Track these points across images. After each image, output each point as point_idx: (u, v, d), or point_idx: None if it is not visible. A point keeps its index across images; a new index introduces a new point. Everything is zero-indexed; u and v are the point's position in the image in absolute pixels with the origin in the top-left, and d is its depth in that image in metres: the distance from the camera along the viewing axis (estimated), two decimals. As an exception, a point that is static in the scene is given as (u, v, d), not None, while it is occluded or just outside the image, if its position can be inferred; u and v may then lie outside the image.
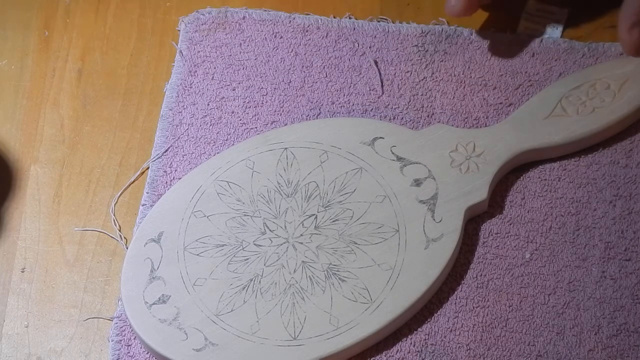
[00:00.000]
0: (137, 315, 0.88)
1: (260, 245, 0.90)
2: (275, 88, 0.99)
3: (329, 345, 0.86)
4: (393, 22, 1.02)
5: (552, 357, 0.87)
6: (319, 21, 1.02)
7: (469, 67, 0.99)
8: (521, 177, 0.94)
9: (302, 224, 0.91)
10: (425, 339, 0.88)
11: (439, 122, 0.97)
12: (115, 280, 0.92)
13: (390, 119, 0.97)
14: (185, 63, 1.00)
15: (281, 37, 1.01)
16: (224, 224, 0.91)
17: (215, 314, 0.87)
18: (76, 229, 0.94)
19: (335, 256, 0.89)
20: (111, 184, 0.96)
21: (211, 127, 0.97)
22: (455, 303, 0.89)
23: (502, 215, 0.93)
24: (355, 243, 0.90)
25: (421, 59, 1.00)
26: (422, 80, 0.99)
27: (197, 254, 0.90)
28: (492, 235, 0.92)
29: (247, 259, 0.90)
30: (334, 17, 1.02)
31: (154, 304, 0.88)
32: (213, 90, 0.99)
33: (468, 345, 0.88)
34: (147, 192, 0.94)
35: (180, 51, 1.01)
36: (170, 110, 0.98)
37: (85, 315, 0.91)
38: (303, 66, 1.00)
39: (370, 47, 1.01)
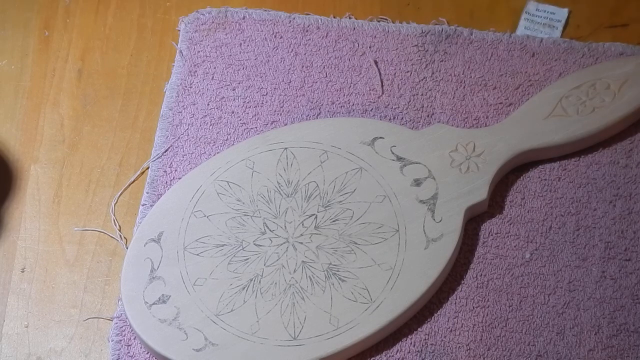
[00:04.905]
0: (137, 315, 0.88)
1: (260, 245, 0.90)
2: (275, 88, 0.99)
3: (329, 345, 0.86)
4: (393, 22, 1.02)
5: (552, 357, 0.87)
6: (319, 21, 1.02)
7: (469, 67, 0.99)
8: (521, 177, 0.94)
9: (302, 224, 0.91)
10: (425, 339, 0.88)
11: (439, 122, 0.97)
12: (115, 280, 0.92)
13: (390, 119, 0.97)
14: (185, 63, 1.00)
15: (281, 37, 1.01)
16: (224, 224, 0.91)
17: (215, 314, 0.87)
18: (76, 229, 0.94)
19: (335, 256, 0.89)
20: (111, 184, 0.96)
21: (211, 127, 0.97)
22: (455, 303, 0.89)
23: (502, 215, 0.93)
24: (355, 243, 0.90)
25: (421, 59, 1.00)
26: (422, 80, 0.99)
27: (197, 254, 0.90)
28: (492, 235, 0.92)
29: (247, 259, 0.90)
30: (334, 17, 1.02)
31: (154, 304, 0.88)
32: (213, 90, 0.99)
33: (468, 345, 0.88)
34: (147, 192, 0.94)
35: (180, 51, 1.01)
36: (170, 110, 0.98)
37: (85, 315, 0.91)
38: (303, 66, 1.00)
39: (370, 47, 1.01)
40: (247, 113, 0.98)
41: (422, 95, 0.98)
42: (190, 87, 0.99)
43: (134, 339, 0.89)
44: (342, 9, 1.03)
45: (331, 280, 0.89)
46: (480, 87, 0.98)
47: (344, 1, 1.04)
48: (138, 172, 0.96)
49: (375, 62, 1.00)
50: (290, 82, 0.99)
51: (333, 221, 0.91)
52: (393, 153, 0.94)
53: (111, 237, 0.94)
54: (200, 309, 0.88)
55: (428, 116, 0.97)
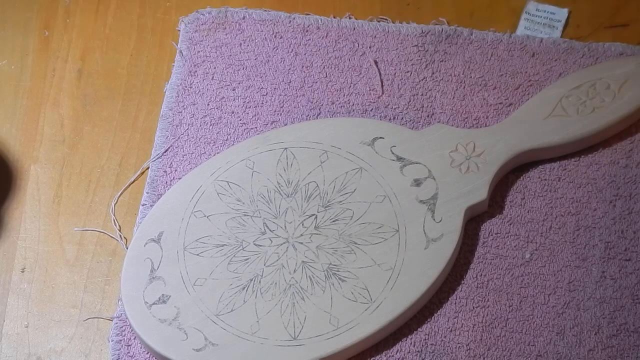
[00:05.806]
0: (137, 315, 0.88)
1: (260, 245, 0.90)
2: (275, 88, 0.99)
3: (329, 345, 0.86)
4: (393, 22, 1.02)
5: (552, 357, 0.87)
6: (319, 21, 1.02)
7: (469, 67, 0.99)
8: (521, 177, 0.94)
9: (302, 224, 0.91)
10: (425, 339, 0.88)
11: (439, 122, 0.97)
12: (115, 280, 0.92)
13: (390, 119, 0.97)
14: (185, 63, 1.00)
15: (281, 37, 1.01)
16: (224, 224, 0.91)
17: (215, 314, 0.87)
18: (76, 229, 0.94)
19: (335, 256, 0.89)
20: (111, 184, 0.96)
21: (211, 127, 0.97)
22: (455, 303, 0.89)
23: (502, 215, 0.93)
24: (355, 243, 0.90)
25: (421, 59, 1.00)
26: (422, 80, 0.99)
27: (197, 254, 0.90)
28: (492, 235, 0.92)
29: (247, 259, 0.90)
30: (334, 17, 1.02)
31: (154, 304, 0.88)
32: (213, 90, 0.99)
33: (468, 345, 0.88)
34: (147, 192, 0.94)
35: (180, 51, 1.01)
36: (170, 110, 0.98)
37: (85, 315, 0.91)
38: (303, 66, 1.00)
39: (370, 47, 1.01)
40: (247, 113, 0.98)
41: (422, 95, 0.98)
42: (190, 87, 0.99)
43: (134, 339, 0.89)
44: (342, 9, 1.03)
45: (331, 280, 0.89)
46: (480, 87, 0.98)
47: (344, 1, 1.04)
48: (138, 172, 0.96)
49: (375, 62, 1.00)
50: (290, 82, 0.99)
51: (333, 221, 0.91)
52: (393, 153, 0.94)
53: (111, 237, 0.94)
54: (200, 309, 0.88)
55: (428, 116, 0.97)
